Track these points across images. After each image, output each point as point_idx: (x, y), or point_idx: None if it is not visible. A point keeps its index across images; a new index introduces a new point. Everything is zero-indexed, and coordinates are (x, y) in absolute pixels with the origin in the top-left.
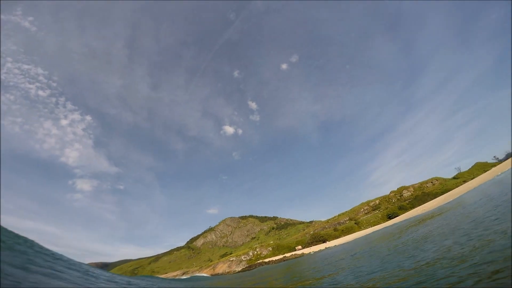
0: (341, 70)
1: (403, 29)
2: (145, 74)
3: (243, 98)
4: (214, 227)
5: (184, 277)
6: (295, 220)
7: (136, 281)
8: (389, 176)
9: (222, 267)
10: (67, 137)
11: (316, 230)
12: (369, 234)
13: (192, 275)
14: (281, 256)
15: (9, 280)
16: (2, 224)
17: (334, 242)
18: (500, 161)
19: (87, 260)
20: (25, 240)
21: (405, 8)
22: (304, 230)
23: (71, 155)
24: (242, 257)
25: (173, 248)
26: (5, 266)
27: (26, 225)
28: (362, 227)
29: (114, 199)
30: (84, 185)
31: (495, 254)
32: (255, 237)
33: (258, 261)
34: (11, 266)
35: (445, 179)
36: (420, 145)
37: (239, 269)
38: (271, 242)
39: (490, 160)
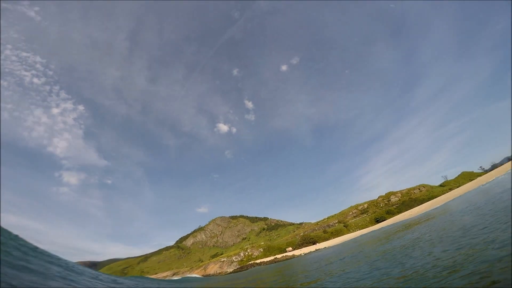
0: (340, 75)
1: (406, 36)
2: (143, 67)
3: (240, 97)
4: (204, 226)
5: (175, 277)
6: (285, 222)
7: (127, 281)
8: (378, 181)
9: (213, 268)
10: (56, 126)
11: (306, 232)
12: (357, 237)
13: (183, 276)
14: (272, 258)
15: None
16: None
17: (324, 244)
18: (486, 171)
19: (74, 259)
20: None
21: (410, 13)
22: (294, 231)
23: (59, 145)
24: (234, 257)
25: (162, 247)
26: None
27: (7, 219)
28: (351, 230)
29: (101, 194)
30: (71, 178)
31: (489, 265)
32: (245, 238)
33: (250, 262)
34: None
35: (432, 186)
36: (410, 153)
37: (231, 270)
38: (262, 243)
39: (476, 170)
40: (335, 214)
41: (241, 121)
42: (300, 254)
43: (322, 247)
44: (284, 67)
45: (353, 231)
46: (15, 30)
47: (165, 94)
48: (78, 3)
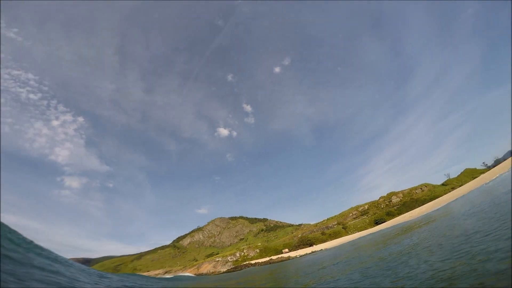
0: (333, 72)
1: (387, 28)
2: (137, 79)
3: (238, 101)
4: (203, 227)
5: (167, 276)
6: (284, 223)
7: (115, 277)
8: (380, 181)
9: (207, 267)
10: (58, 137)
11: (305, 234)
12: (355, 239)
13: (176, 275)
14: (267, 259)
15: None
16: None
17: (321, 246)
18: (489, 168)
19: (68, 256)
20: None
21: (386, 8)
22: (292, 233)
23: (61, 154)
24: (229, 257)
25: (158, 246)
26: None
27: (7, 219)
28: (349, 232)
29: (103, 197)
30: (73, 182)
31: (489, 279)
32: (243, 239)
33: (244, 263)
34: None
35: (434, 186)
36: (412, 150)
37: (224, 269)
38: (259, 244)
39: (479, 166)
40: (334, 216)
41: (241, 124)
42: (296, 256)
43: (319, 249)
44: (277, 69)
45: (352, 233)
46: None
47: (163, 103)
48: (57, 23)
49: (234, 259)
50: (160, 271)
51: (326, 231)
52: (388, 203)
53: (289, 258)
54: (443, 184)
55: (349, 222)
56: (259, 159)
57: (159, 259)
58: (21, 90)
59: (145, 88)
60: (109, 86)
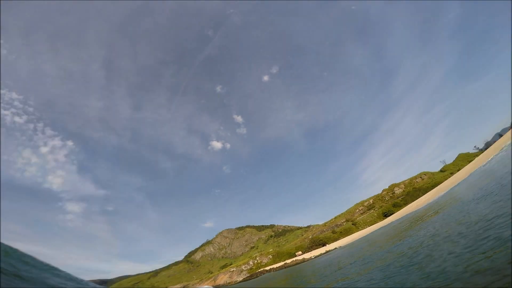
0: (319, 78)
1: (371, 33)
2: (125, 95)
3: (228, 113)
4: (212, 240)
5: None
6: (292, 226)
7: None
8: (378, 175)
9: (223, 278)
10: (48, 165)
11: (315, 234)
12: (367, 235)
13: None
14: (282, 263)
15: None
16: None
17: (334, 244)
18: (481, 150)
19: (84, 279)
20: None
21: (370, 12)
22: (302, 235)
23: (55, 181)
24: (243, 266)
25: (171, 263)
26: None
27: (17, 247)
28: (360, 227)
29: (105, 220)
30: (74, 206)
31: None
32: (254, 246)
33: (259, 270)
34: None
35: (433, 173)
36: (404, 142)
37: (240, 279)
38: (271, 250)
39: (471, 150)
40: (342, 213)
41: (233, 136)
42: (310, 257)
43: (333, 248)
44: (265, 78)
45: (362, 228)
46: None
47: (152, 120)
48: (43, 34)
49: (248, 267)
50: (179, 286)
51: (336, 230)
52: (392, 195)
53: (303, 260)
54: (441, 171)
55: (358, 218)
56: (256, 168)
57: (174, 275)
58: (6, 112)
59: (133, 104)
60: (96, 104)
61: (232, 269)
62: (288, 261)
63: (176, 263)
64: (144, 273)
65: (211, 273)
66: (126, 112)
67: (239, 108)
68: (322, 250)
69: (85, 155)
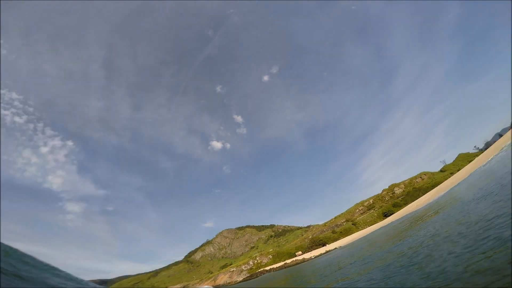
0: (319, 78)
1: (371, 34)
2: (125, 95)
3: (228, 113)
4: (212, 240)
5: None
6: (292, 226)
7: None
8: (378, 175)
9: (223, 278)
10: (48, 165)
11: (315, 234)
12: (367, 235)
13: None
14: (282, 263)
15: None
16: None
17: (334, 244)
18: (481, 150)
19: (84, 279)
20: None
21: (370, 12)
22: (302, 235)
23: (55, 181)
24: (243, 266)
25: (171, 263)
26: None
27: (17, 247)
28: (360, 228)
29: (105, 219)
30: (74, 206)
31: None
32: (254, 246)
33: (259, 270)
34: None
35: (433, 173)
36: (404, 142)
37: (240, 279)
38: (271, 250)
39: (471, 150)
40: (342, 213)
41: (233, 136)
42: (310, 257)
43: (333, 248)
44: (265, 78)
45: (362, 228)
46: None
47: (152, 120)
48: (43, 34)
49: (248, 267)
50: (179, 286)
51: (336, 229)
52: (392, 195)
53: (303, 260)
54: (441, 171)
55: (358, 218)
56: (256, 168)
57: (174, 275)
58: (6, 112)
59: (133, 104)
60: (96, 104)
61: (232, 269)
62: (288, 261)
63: (176, 263)
64: (144, 273)
65: (211, 273)
66: (126, 112)
67: (239, 108)
68: (322, 250)
69: (85, 155)
